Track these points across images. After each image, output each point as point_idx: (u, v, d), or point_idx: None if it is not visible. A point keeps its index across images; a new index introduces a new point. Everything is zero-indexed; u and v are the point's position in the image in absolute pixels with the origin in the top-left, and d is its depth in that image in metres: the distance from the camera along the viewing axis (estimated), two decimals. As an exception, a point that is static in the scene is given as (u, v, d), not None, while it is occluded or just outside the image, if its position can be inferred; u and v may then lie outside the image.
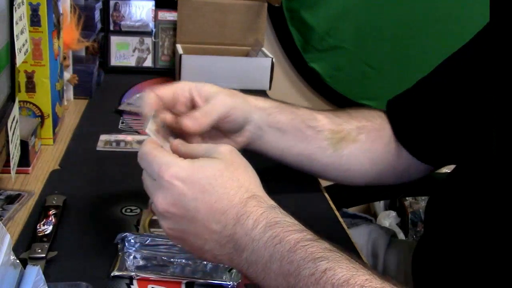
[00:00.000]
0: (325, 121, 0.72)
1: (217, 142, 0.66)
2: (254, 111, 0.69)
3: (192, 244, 0.49)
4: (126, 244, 0.57)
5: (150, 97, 0.61)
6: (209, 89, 0.64)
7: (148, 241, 0.58)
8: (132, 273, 0.54)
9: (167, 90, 0.63)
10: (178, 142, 0.54)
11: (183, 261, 0.57)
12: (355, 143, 0.73)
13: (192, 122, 0.60)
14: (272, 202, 0.49)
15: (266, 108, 0.70)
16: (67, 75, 1.01)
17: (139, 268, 0.55)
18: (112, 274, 0.54)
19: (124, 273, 0.54)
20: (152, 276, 0.54)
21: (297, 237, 0.45)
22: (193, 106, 0.64)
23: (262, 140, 0.71)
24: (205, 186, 0.47)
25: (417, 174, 0.76)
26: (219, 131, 0.67)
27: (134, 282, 0.54)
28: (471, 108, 0.65)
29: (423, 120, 0.72)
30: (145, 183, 0.51)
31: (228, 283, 0.54)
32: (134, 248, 0.57)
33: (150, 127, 0.53)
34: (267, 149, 0.72)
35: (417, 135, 0.72)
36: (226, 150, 0.51)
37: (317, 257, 0.43)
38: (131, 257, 0.56)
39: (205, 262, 0.56)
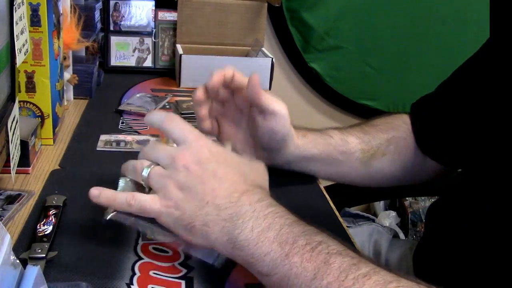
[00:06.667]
0: (356, 142, 0.75)
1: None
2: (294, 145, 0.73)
3: (188, 206, 0.51)
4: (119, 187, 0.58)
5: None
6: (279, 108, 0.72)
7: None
8: (127, 218, 0.54)
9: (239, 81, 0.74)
10: None
11: None
12: (384, 156, 0.76)
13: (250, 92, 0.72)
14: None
15: (300, 146, 0.73)
16: (67, 75, 1.01)
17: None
18: (106, 218, 0.54)
19: (118, 217, 0.54)
20: (144, 224, 0.54)
21: (295, 218, 0.50)
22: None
23: (292, 165, 0.75)
24: (228, 158, 0.55)
25: (439, 175, 0.78)
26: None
27: (134, 282, 0.54)
28: (488, 112, 0.65)
29: (444, 127, 0.72)
30: (159, 148, 0.54)
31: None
32: None
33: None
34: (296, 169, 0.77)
35: (440, 141, 0.73)
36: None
37: (314, 232, 0.48)
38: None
39: None
